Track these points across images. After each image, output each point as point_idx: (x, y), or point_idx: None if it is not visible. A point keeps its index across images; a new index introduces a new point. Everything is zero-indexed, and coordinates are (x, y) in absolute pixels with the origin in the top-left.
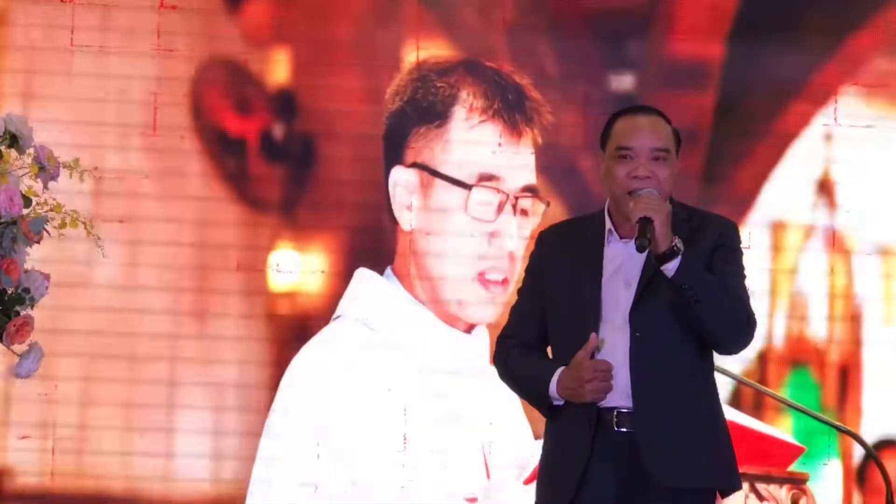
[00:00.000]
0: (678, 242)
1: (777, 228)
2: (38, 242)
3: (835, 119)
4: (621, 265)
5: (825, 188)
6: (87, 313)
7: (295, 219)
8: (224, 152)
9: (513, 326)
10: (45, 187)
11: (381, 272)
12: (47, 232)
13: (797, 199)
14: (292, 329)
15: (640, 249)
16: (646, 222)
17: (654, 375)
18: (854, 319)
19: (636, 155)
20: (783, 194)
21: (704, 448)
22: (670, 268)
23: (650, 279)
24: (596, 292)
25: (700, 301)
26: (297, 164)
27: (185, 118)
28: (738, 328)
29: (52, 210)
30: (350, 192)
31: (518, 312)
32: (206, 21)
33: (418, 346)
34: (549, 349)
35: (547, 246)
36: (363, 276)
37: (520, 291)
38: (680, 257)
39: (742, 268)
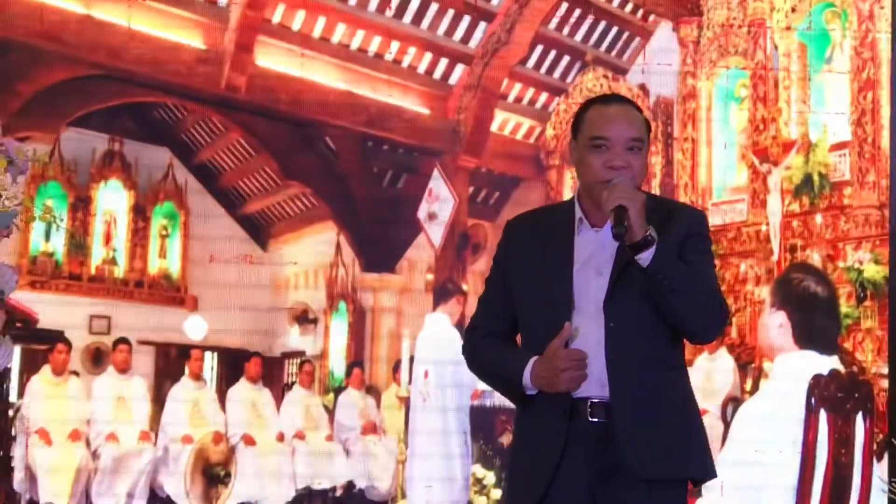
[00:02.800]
0: (652, 232)
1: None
2: (6, 237)
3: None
4: (592, 254)
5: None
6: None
7: None
8: None
9: (481, 317)
10: (14, 181)
11: None
12: (16, 226)
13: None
14: None
15: (616, 238)
16: (621, 211)
17: (629, 365)
18: None
19: (612, 145)
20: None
21: (680, 438)
22: (644, 257)
23: (623, 268)
24: (567, 281)
25: (674, 290)
26: None
27: None
28: (711, 316)
29: (20, 204)
30: None
31: (486, 302)
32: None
33: None
34: (518, 338)
35: (515, 235)
36: None
37: (487, 281)
38: (654, 247)
39: (712, 256)
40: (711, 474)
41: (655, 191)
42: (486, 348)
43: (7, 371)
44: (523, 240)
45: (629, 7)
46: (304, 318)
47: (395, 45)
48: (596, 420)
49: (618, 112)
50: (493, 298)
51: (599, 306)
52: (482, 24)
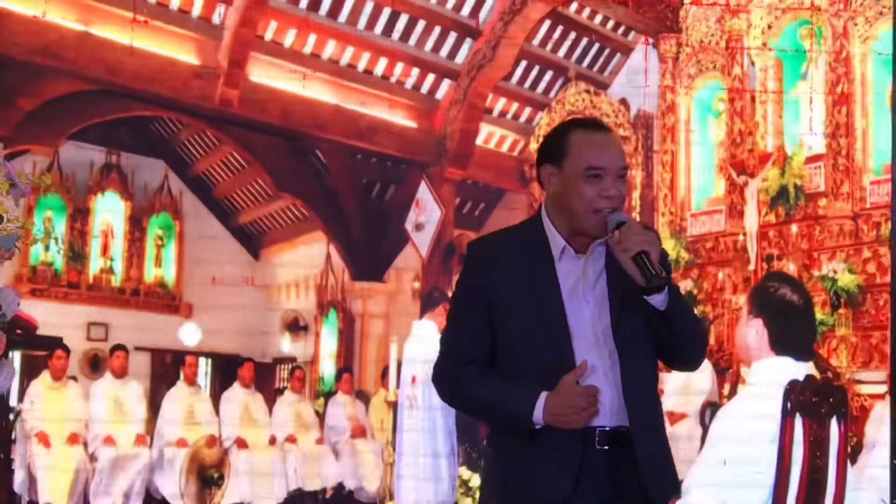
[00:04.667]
0: (664, 273)
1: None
2: (8, 259)
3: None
4: (577, 282)
5: None
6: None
7: None
8: None
9: (459, 343)
10: (17, 204)
11: None
12: (18, 248)
13: None
14: None
15: (654, 289)
16: (644, 257)
17: (640, 396)
18: None
19: (606, 174)
20: None
21: (671, 462)
22: (660, 299)
23: (622, 300)
24: (560, 310)
25: (683, 328)
26: None
27: None
28: (702, 346)
29: (23, 227)
30: None
31: (463, 327)
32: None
33: None
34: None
35: (488, 258)
36: None
37: (460, 305)
38: (667, 289)
39: None
40: (679, 494)
41: (636, 203)
42: (477, 379)
43: (6, 359)
44: (500, 265)
45: (610, 24)
46: (295, 324)
47: (383, 61)
48: (603, 448)
49: (608, 140)
50: (473, 323)
51: (597, 335)
52: (468, 41)
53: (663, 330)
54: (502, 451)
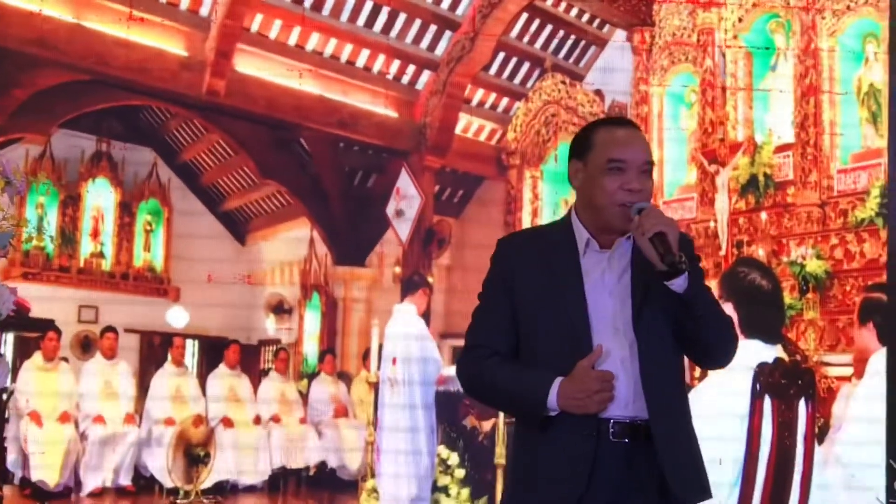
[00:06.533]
0: (683, 257)
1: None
2: (3, 256)
3: None
4: (602, 275)
5: None
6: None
7: None
8: None
9: (482, 336)
10: (12, 201)
11: None
12: (13, 245)
13: None
14: None
15: (670, 266)
16: (662, 238)
17: (661, 387)
18: None
19: (628, 168)
20: None
21: (700, 460)
22: (679, 283)
23: (645, 291)
24: (582, 303)
25: (703, 316)
26: None
27: None
28: (730, 341)
29: (17, 224)
30: None
31: (487, 322)
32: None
33: None
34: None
35: (514, 253)
36: None
37: (484, 299)
38: (686, 273)
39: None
40: (710, 495)
41: None
42: (495, 368)
43: (1, 357)
44: (525, 259)
45: (586, 17)
46: (279, 308)
47: (365, 53)
48: (618, 441)
49: (632, 135)
50: (496, 318)
51: (617, 327)
52: (448, 33)
53: (685, 318)
54: (519, 442)
